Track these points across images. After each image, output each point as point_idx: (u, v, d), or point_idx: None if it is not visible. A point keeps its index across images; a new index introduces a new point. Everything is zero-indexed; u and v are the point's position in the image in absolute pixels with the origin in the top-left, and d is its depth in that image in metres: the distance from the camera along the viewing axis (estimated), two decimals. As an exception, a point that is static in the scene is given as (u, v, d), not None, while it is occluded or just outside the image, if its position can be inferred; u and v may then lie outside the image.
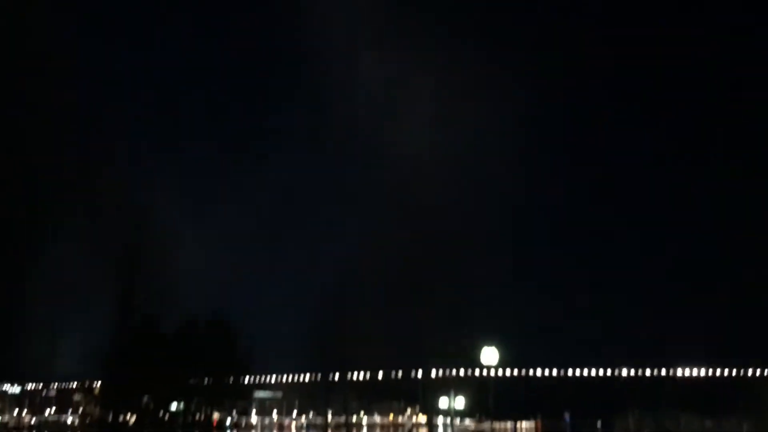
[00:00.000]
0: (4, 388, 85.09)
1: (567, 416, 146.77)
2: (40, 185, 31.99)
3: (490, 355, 36.12)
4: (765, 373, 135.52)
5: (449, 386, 60.44)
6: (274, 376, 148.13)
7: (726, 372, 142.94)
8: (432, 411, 47.34)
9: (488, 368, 36.66)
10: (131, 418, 42.64)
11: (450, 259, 38.49)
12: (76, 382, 64.96)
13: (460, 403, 64.91)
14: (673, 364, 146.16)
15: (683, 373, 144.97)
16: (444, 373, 54.94)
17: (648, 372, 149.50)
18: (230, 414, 50.14)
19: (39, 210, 32.28)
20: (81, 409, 51.52)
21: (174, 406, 43.08)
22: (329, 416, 61.08)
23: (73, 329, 42.20)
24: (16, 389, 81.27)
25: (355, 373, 56.29)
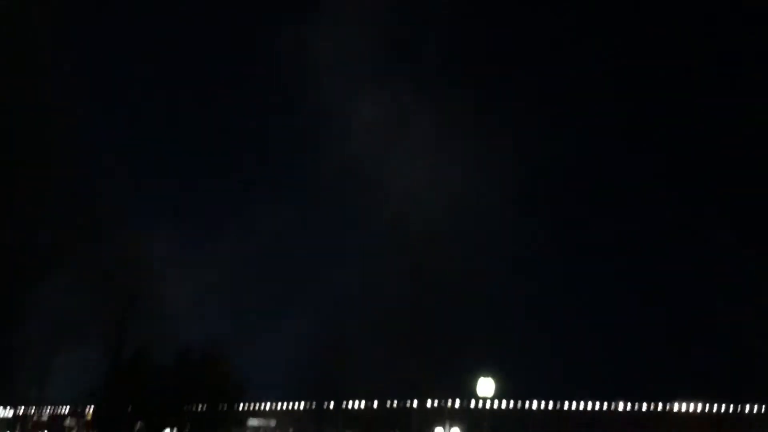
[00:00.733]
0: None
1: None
2: (35, 214, 32.13)
3: (485, 387, 36.07)
4: (763, 410, 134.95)
5: (444, 417, 60.09)
6: (268, 403, 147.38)
7: (723, 408, 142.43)
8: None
9: (484, 400, 36.60)
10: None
11: (447, 291, 38.55)
12: (68, 407, 64.49)
13: (455, 435, 64.50)
14: (670, 398, 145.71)
15: (680, 408, 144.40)
16: (440, 403, 54.62)
17: (644, 406, 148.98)
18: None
19: (34, 238, 32.39)
20: (73, 434, 51.15)
21: (167, 432, 42.90)
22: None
23: (67, 356, 42.09)
24: (8, 413, 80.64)
25: (350, 402, 55.93)
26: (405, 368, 38.51)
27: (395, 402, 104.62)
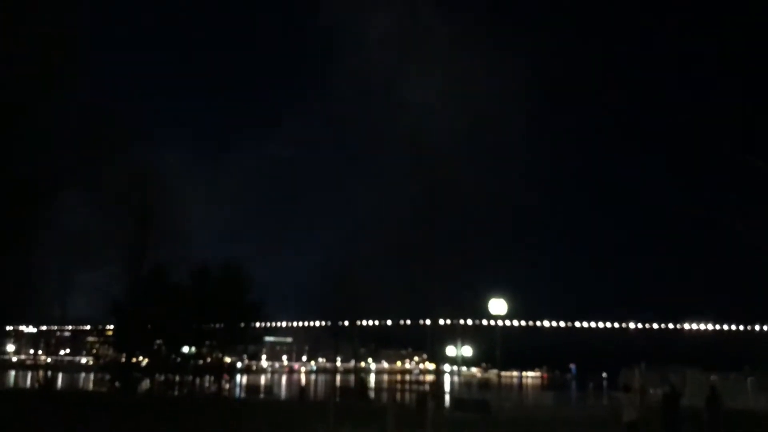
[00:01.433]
0: (20, 328, 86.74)
1: (573, 368, 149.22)
2: (53, 136, 31.99)
3: (498, 306, 36.41)
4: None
5: (457, 335, 61.12)
6: (284, 321, 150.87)
7: (733, 327, 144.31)
8: (439, 359, 47.92)
9: (496, 318, 36.97)
10: (144, 361, 43.50)
11: (461, 210, 38.35)
12: (89, 326, 66.03)
13: (467, 352, 65.80)
14: (681, 318, 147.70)
15: (690, 328, 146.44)
16: (452, 322, 55.33)
17: (655, 326, 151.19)
18: (241, 358, 50.98)
19: (53, 159, 32.35)
20: (95, 350, 52.48)
21: (186, 350, 43.88)
22: (338, 362, 62.01)
23: (88, 274, 42.69)
24: (32, 329, 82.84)
25: (365, 320, 56.84)
26: (418, 287, 38.73)
27: (408, 320, 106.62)
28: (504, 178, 38.98)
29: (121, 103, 37.92)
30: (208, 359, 43.99)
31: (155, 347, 43.27)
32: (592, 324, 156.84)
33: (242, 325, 45.49)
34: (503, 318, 37.45)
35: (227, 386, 46.03)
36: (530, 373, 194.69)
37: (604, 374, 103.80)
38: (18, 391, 53.87)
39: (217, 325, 43.61)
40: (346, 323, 51.53)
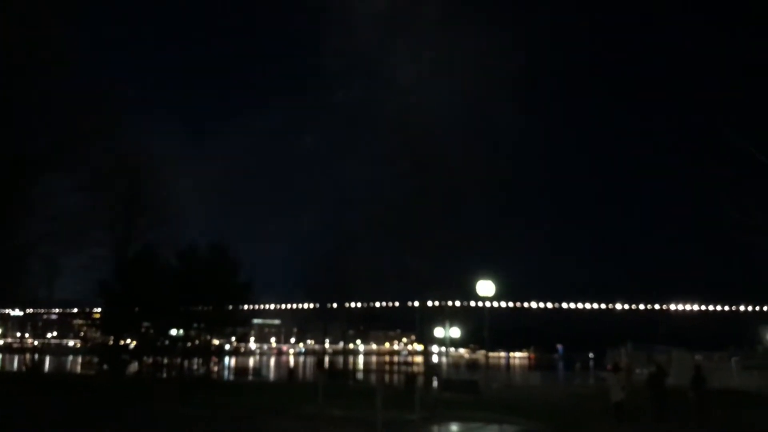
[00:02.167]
0: (7, 311, 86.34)
1: (560, 348, 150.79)
2: (39, 114, 31.69)
3: (486, 287, 36.54)
4: (756, 309, 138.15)
5: (445, 316, 61.34)
6: (272, 304, 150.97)
7: (718, 308, 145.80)
8: (428, 340, 48.17)
9: (484, 300, 37.11)
10: (132, 343, 43.38)
11: (448, 192, 38.35)
12: (76, 308, 65.77)
13: (455, 333, 66.13)
14: (667, 299, 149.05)
15: (677, 309, 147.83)
16: (440, 303, 55.53)
17: (642, 306, 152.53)
18: (229, 340, 50.96)
19: (39, 140, 32.08)
20: (82, 333, 52.31)
21: (174, 332, 43.78)
22: (327, 343, 62.18)
23: (75, 256, 42.40)
24: (18, 312, 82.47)
25: (353, 302, 56.95)
26: (407, 268, 38.79)
27: (397, 302, 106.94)
28: (492, 157, 39.03)
29: (108, 84, 37.32)
30: (197, 341, 43.91)
31: (143, 330, 43.14)
32: (579, 305, 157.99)
33: (230, 307, 45.38)
34: (491, 299, 37.60)
35: (216, 368, 46.03)
36: (518, 354, 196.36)
37: (591, 354, 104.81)
38: (5, 374, 53.73)
39: (206, 307, 43.48)
40: (335, 305, 51.58)
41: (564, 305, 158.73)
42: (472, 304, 77.36)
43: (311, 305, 61.56)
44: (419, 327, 50.51)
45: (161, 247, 43.89)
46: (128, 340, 43.44)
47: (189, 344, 43.43)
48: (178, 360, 43.26)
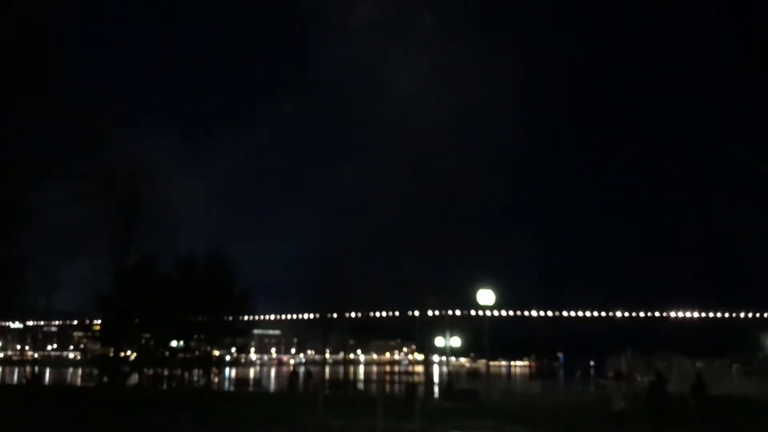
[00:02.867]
0: (6, 324, 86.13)
1: (560, 356, 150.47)
2: (33, 130, 31.70)
3: (486, 296, 36.53)
4: (756, 316, 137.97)
5: (445, 326, 61.23)
6: (272, 314, 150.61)
7: (718, 314, 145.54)
8: (428, 350, 48.14)
9: (484, 309, 37.10)
10: (132, 355, 43.35)
11: (447, 200, 38.39)
12: (76, 320, 65.63)
13: (456, 342, 65.99)
14: (667, 306, 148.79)
15: (676, 316, 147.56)
16: (441, 312, 55.48)
17: (642, 314, 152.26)
18: (229, 351, 50.91)
19: (37, 150, 32.08)
20: (82, 345, 52.26)
21: (174, 344, 43.75)
22: (327, 353, 62.01)
23: (74, 267, 42.35)
24: (18, 325, 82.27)
25: (353, 312, 56.81)
26: (407, 278, 38.78)
27: (397, 312, 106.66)
28: (492, 165, 39.12)
29: (105, 93, 37.44)
30: (197, 352, 43.88)
31: (143, 341, 43.12)
32: (579, 313, 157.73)
33: (230, 317, 45.38)
34: (491, 308, 37.60)
35: (216, 379, 45.99)
36: (518, 363, 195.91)
37: (591, 362, 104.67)
38: (4, 387, 53.59)
39: (205, 318, 43.47)
40: (334, 315, 51.51)
41: (564, 313, 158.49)
42: (473, 313, 77.27)
43: (311, 315, 61.40)
44: (419, 336, 50.48)
45: (160, 257, 43.90)
46: (128, 352, 43.42)
47: (189, 355, 43.43)
48: (179, 371, 43.23)
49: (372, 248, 40.27)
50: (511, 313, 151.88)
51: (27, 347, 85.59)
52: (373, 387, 53.28)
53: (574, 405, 33.62)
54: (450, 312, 63.21)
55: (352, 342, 59.86)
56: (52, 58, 31.05)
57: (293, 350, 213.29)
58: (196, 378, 43.39)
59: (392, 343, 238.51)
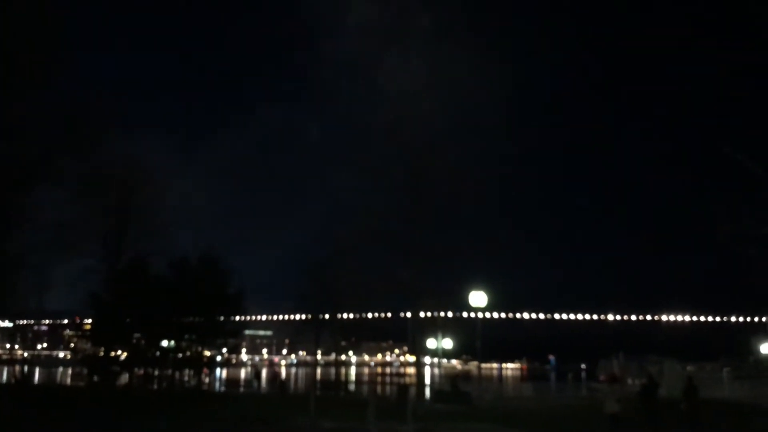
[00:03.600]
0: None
1: (552, 359, 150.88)
2: (27, 129, 31.57)
3: (478, 298, 36.51)
4: (747, 320, 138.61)
5: (437, 327, 61.16)
6: (264, 315, 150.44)
7: (709, 318, 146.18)
8: (420, 351, 48.05)
9: (476, 310, 37.06)
10: (122, 355, 43.09)
11: (441, 205, 38.39)
12: (67, 319, 65.34)
13: (447, 344, 65.93)
14: (659, 310, 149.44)
15: (668, 319, 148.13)
16: (432, 314, 55.43)
17: (633, 317, 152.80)
18: (220, 352, 50.70)
19: (29, 150, 31.94)
20: (73, 345, 51.98)
21: (165, 344, 43.51)
22: (319, 355, 61.90)
23: (65, 269, 42.09)
24: (8, 324, 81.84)
25: (345, 313, 56.70)
26: (399, 280, 38.72)
27: (389, 313, 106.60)
28: (486, 167, 39.06)
29: (97, 94, 37.22)
30: (188, 353, 43.66)
31: (134, 341, 42.87)
32: (571, 316, 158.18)
33: (221, 318, 45.17)
34: (483, 310, 37.57)
35: (207, 380, 45.77)
36: (510, 365, 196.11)
37: (583, 365, 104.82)
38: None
39: (197, 319, 43.26)
40: (326, 316, 51.38)
41: (556, 316, 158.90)
42: (465, 314, 77.24)
43: (303, 316, 61.29)
44: (411, 338, 50.39)
45: (153, 257, 43.72)
46: (119, 352, 43.16)
47: (180, 356, 43.18)
48: (169, 371, 43.00)
49: (365, 249, 40.21)
50: (503, 315, 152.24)
51: (17, 346, 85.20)
52: (365, 388, 53.15)
53: (567, 408, 33.59)
54: (442, 314, 63.13)
55: (344, 343, 59.69)
56: (50, 59, 30.95)
57: (285, 351, 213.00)
58: (186, 378, 43.16)
59: (384, 344, 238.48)
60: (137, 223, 43.75)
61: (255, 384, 49.87)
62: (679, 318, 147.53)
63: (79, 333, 49.30)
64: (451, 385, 38.91)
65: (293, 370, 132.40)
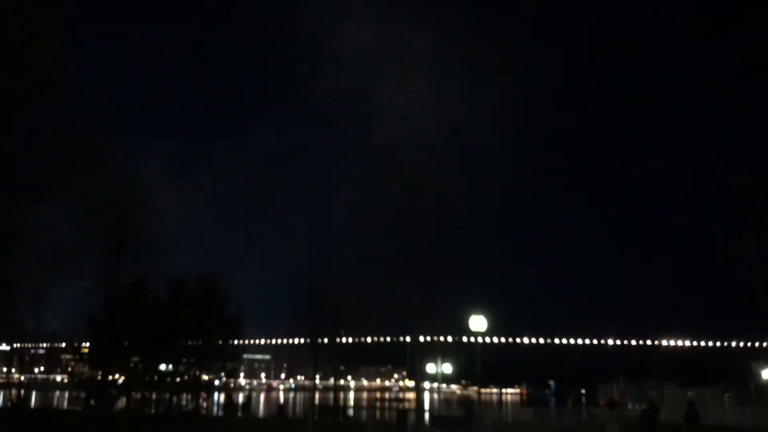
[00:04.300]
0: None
1: (552, 384, 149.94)
2: (24, 149, 31.63)
3: (478, 322, 36.39)
4: (747, 345, 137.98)
5: (437, 352, 60.94)
6: (262, 338, 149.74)
7: (710, 343, 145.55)
8: (419, 376, 47.78)
9: (476, 335, 36.94)
10: (120, 378, 42.90)
11: (441, 227, 38.38)
12: (64, 343, 64.99)
13: (447, 369, 65.59)
14: (659, 334, 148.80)
15: (668, 344, 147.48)
16: (432, 338, 55.25)
17: (633, 342, 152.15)
18: (219, 376, 50.44)
19: (26, 171, 31.96)
20: (70, 368, 51.71)
21: (163, 367, 43.34)
22: (317, 379, 61.61)
23: (62, 291, 41.97)
24: (5, 347, 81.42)
25: (344, 337, 56.48)
26: (398, 303, 38.61)
27: (388, 337, 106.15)
28: (484, 189, 39.11)
29: (95, 115, 37.25)
30: (186, 377, 43.47)
31: (132, 364, 42.69)
32: (571, 340, 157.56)
33: (220, 341, 45.02)
34: (483, 335, 37.46)
35: (205, 404, 45.53)
36: (510, 390, 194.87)
37: (583, 390, 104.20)
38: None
39: (195, 342, 43.13)
40: (325, 340, 51.20)
41: (556, 341, 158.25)
42: (465, 339, 76.99)
43: (301, 340, 61.03)
44: (410, 362, 50.19)
45: (151, 278, 43.55)
46: (116, 375, 42.97)
47: (178, 379, 43.00)
48: (167, 395, 42.80)
49: (364, 272, 40.16)
50: (503, 339, 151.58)
51: (14, 369, 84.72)
52: (364, 413, 52.81)
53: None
54: (442, 338, 62.95)
55: (342, 368, 59.36)
56: (49, 80, 31.06)
57: (283, 375, 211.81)
58: (184, 402, 42.94)
59: (383, 369, 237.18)
60: (135, 244, 43.69)
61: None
62: (679, 343, 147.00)
63: (77, 356, 48.99)
64: (465, 410, 38.50)
65: (291, 394, 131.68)
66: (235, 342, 49.46)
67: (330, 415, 43.99)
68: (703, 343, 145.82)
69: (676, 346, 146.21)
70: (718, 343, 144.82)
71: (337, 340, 52.34)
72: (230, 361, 48.30)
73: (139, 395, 42.56)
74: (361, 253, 38.29)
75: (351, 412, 54.09)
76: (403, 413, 38.27)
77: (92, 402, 41.12)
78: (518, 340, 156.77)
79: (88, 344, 45.62)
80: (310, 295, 48.71)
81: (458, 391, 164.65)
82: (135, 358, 42.68)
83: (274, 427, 34.47)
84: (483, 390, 63.99)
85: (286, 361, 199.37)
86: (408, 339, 44.93)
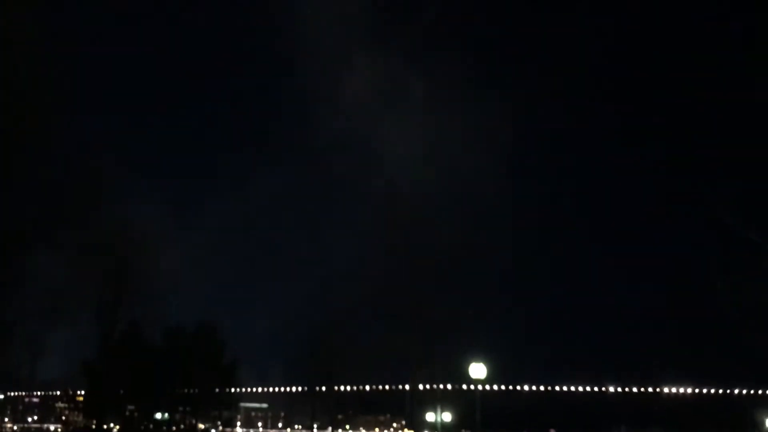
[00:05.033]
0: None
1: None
2: (22, 195, 31.70)
3: (478, 370, 36.03)
4: (750, 392, 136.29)
5: (436, 400, 60.15)
6: (259, 387, 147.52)
7: (712, 390, 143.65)
8: (418, 425, 47.13)
9: (476, 382, 36.54)
10: (115, 427, 42.31)
11: (439, 274, 38.37)
12: (59, 391, 64.19)
13: (446, 417, 64.64)
14: (660, 381, 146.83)
15: (670, 391, 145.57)
16: (431, 386, 54.64)
17: (635, 389, 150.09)
18: (215, 425, 49.72)
19: (24, 218, 31.99)
20: (64, 417, 51.03)
21: (159, 416, 42.80)
22: (315, 428, 60.72)
23: (58, 337, 41.63)
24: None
25: (342, 385, 55.91)
26: (397, 351, 38.36)
27: (387, 385, 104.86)
28: (485, 236, 39.25)
29: (93, 162, 37.46)
30: (182, 425, 42.90)
31: (127, 413, 42.15)
32: (571, 387, 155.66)
33: (216, 389, 44.55)
34: (483, 382, 37.05)
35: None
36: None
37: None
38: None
39: (191, 390, 42.66)
40: (323, 388, 50.68)
41: (557, 388, 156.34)
42: (464, 387, 76.02)
43: (299, 388, 60.36)
44: (409, 411, 49.59)
45: (148, 324, 43.26)
46: (111, 425, 42.39)
47: (174, 428, 42.43)
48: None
49: (362, 320, 40.01)
50: (502, 387, 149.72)
51: (6, 419, 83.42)
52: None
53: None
54: (441, 386, 62.22)
55: (340, 416, 58.58)
56: (41, 129, 31.17)
57: (280, 425, 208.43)
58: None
59: (381, 418, 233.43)
60: (132, 290, 43.47)
61: None
62: (682, 390, 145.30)
63: (71, 405, 48.44)
64: None
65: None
66: (232, 390, 48.96)
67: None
68: (705, 391, 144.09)
69: (678, 394, 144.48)
70: (720, 391, 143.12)
71: (335, 388, 51.81)
72: (227, 409, 47.75)
73: (134, 445, 41.95)
74: (360, 301, 38.24)
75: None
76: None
77: (86, 452, 40.51)
78: (518, 387, 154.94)
79: (83, 392, 45.12)
80: (308, 343, 48.38)
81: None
82: (130, 407, 42.17)
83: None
84: (483, 439, 62.93)
85: (282, 409, 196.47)
86: (407, 387, 44.46)
